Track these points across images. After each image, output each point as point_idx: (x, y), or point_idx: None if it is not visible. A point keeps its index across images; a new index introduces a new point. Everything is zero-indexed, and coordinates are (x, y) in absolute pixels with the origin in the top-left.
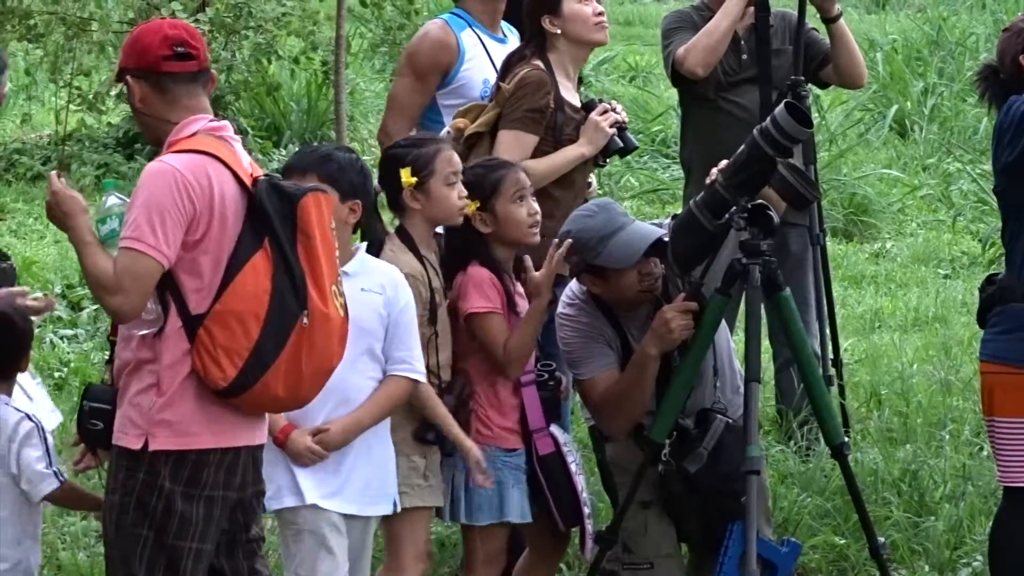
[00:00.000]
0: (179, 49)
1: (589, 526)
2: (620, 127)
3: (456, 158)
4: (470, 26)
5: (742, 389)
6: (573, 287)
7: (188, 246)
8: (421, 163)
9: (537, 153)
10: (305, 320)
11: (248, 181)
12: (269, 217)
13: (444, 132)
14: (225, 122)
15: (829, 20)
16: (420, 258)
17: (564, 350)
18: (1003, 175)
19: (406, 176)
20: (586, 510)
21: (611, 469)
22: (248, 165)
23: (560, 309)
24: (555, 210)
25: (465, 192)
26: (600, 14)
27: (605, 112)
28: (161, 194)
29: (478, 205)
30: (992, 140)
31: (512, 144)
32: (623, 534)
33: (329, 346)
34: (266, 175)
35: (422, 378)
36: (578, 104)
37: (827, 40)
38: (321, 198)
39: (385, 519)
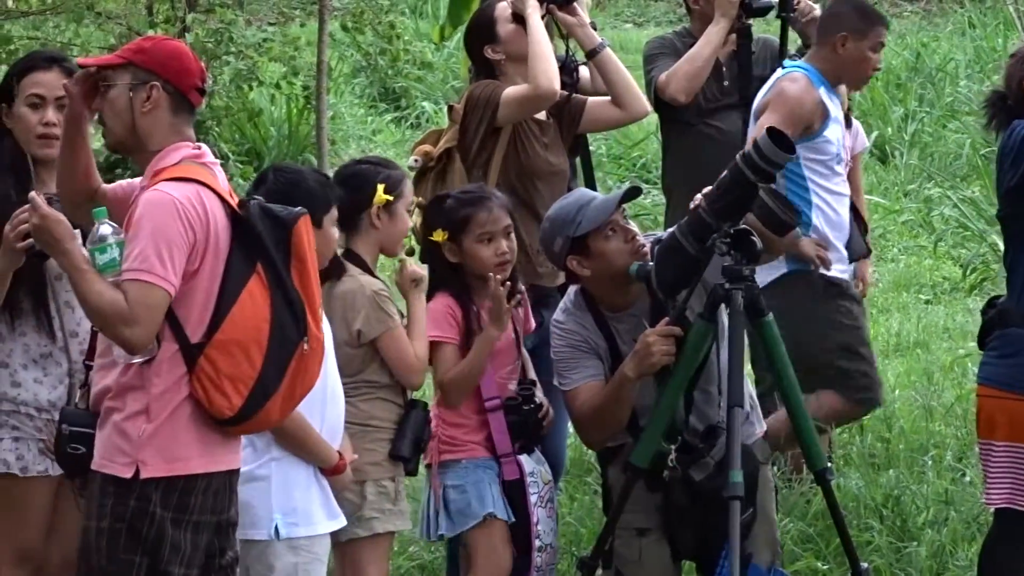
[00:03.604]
0: (203, 85)
1: (537, 559)
2: None
3: (412, 189)
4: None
5: (750, 415)
6: (569, 293)
7: (186, 276)
8: (392, 183)
9: (507, 160)
10: (306, 347)
11: (233, 205)
12: (263, 242)
13: (412, 160)
14: (205, 148)
15: (811, 46)
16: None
17: (553, 359)
18: (1006, 200)
19: (381, 193)
20: (536, 542)
21: (612, 492)
22: (228, 190)
23: (554, 316)
24: (540, 208)
25: (411, 224)
26: None
27: None
28: (166, 224)
29: (447, 236)
30: (996, 165)
31: (516, 88)
32: (616, 560)
33: (317, 368)
34: (253, 198)
35: None
36: (545, 118)
37: None
38: (308, 220)
39: (347, 544)
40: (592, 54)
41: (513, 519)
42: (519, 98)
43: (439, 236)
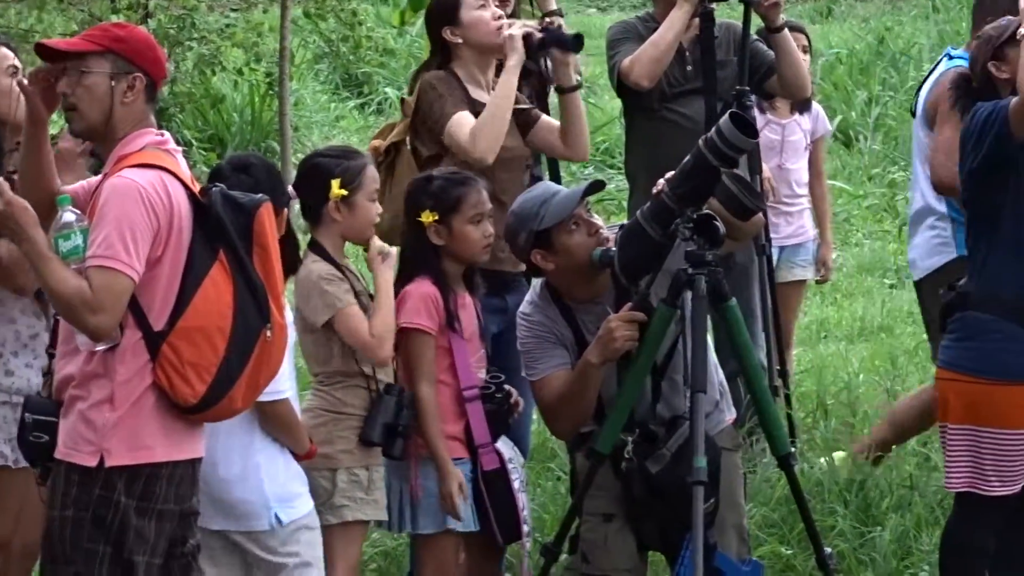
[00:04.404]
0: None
1: (527, 544)
2: (552, 29)
3: (377, 175)
4: None
5: (720, 402)
6: (534, 286)
7: (150, 262)
8: (350, 176)
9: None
10: (269, 333)
11: (195, 192)
12: (225, 229)
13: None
14: (168, 135)
15: (773, 30)
16: (337, 266)
17: (520, 350)
18: (968, 182)
19: (336, 188)
20: (525, 528)
21: (579, 479)
22: (190, 176)
23: (520, 308)
24: (500, 194)
25: (380, 210)
26: (500, 17)
27: (511, 25)
28: (130, 211)
29: (436, 218)
30: (959, 148)
31: (457, 127)
32: (583, 544)
33: (280, 355)
34: (215, 185)
35: (274, 397)
36: None
37: (772, 51)
38: (271, 208)
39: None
40: (564, 90)
41: (477, 527)
42: (455, 142)
43: (427, 217)
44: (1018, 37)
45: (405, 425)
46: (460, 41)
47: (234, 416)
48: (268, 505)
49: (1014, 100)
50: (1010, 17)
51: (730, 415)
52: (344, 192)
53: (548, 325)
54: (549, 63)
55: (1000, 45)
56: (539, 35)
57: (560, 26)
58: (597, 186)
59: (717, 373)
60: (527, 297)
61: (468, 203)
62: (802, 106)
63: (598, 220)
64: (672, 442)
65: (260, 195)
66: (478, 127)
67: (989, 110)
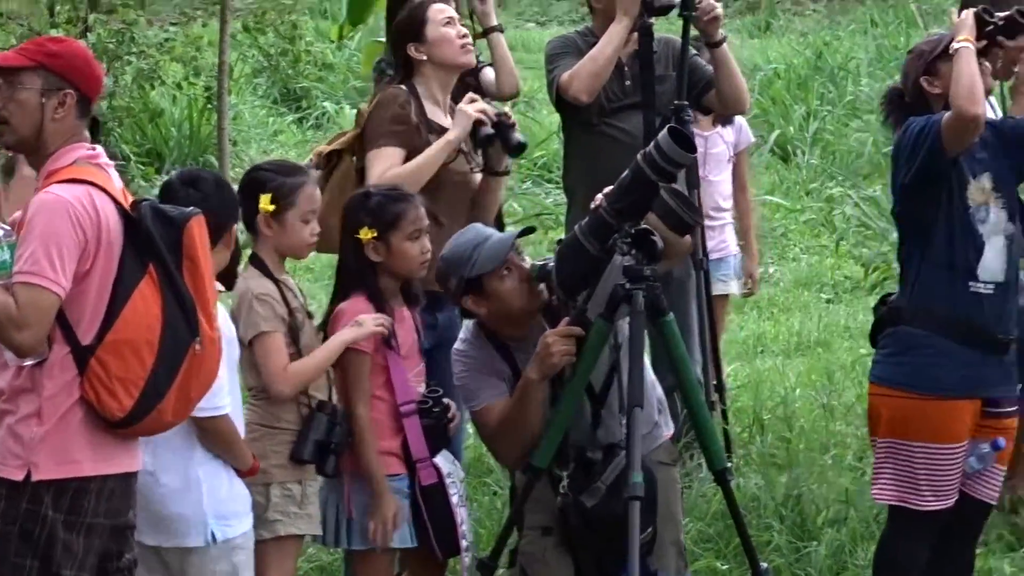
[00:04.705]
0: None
1: (466, 559)
2: (505, 124)
3: (317, 195)
4: None
5: (657, 418)
6: (467, 326)
7: (78, 277)
8: (282, 192)
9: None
10: (198, 347)
11: (126, 206)
12: (155, 242)
13: (308, 160)
14: (99, 148)
15: (712, 45)
16: (275, 281)
17: (457, 385)
18: (901, 196)
19: (264, 202)
20: (464, 543)
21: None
22: (121, 190)
23: (455, 346)
24: (440, 214)
25: (318, 229)
26: (464, 36)
27: (473, 100)
28: (57, 227)
29: (374, 234)
30: (891, 162)
31: (379, 160)
32: (522, 558)
33: (213, 368)
34: (145, 199)
35: (211, 413)
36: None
37: (711, 66)
38: (201, 221)
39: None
40: (714, 46)
41: (415, 543)
42: (367, 173)
43: (366, 234)
44: (950, 52)
45: (338, 443)
46: (424, 58)
47: (166, 430)
48: (205, 521)
49: (947, 115)
50: (942, 32)
51: (668, 430)
52: (272, 207)
53: (484, 359)
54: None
55: (932, 60)
56: (489, 130)
57: (514, 124)
58: (528, 231)
59: (655, 389)
60: (460, 335)
61: (407, 220)
62: (724, 118)
63: (528, 265)
64: (608, 474)
65: (191, 209)
66: (576, 68)
67: (922, 124)
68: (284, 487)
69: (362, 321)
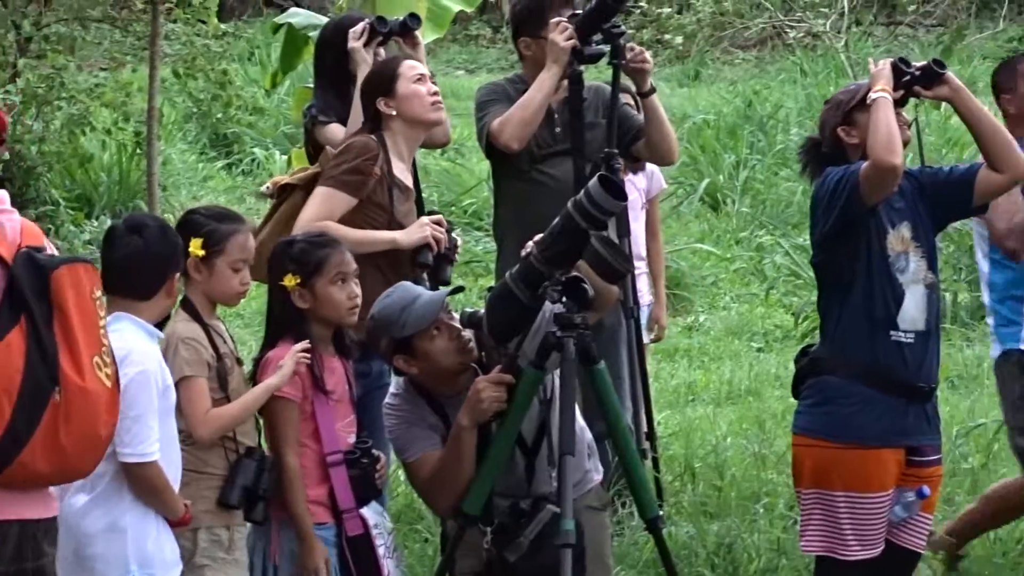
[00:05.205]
0: (4, 135)
1: None
2: (445, 258)
3: (250, 243)
4: None
5: (588, 465)
6: (397, 381)
7: None
8: (214, 239)
9: (369, 225)
10: (57, 396)
11: (9, 256)
12: (22, 292)
13: (266, 187)
14: (2, 193)
15: (642, 95)
16: (204, 326)
17: (389, 438)
18: (819, 247)
19: (195, 246)
20: None
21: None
22: (15, 235)
23: (385, 400)
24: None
25: (248, 279)
26: (435, 94)
27: (438, 223)
28: None
29: (298, 281)
30: (809, 212)
31: (323, 201)
32: None
33: (91, 418)
34: (26, 248)
35: (137, 459)
36: (410, 185)
37: (640, 116)
38: (79, 269)
39: None
40: (644, 95)
41: None
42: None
43: (290, 281)
44: (868, 102)
45: (266, 488)
46: (393, 113)
47: (48, 479)
48: (127, 566)
49: (864, 165)
50: (859, 82)
51: (598, 475)
52: (202, 252)
53: (417, 412)
54: None
55: (849, 110)
56: (428, 258)
57: (452, 261)
58: (457, 290)
59: (585, 434)
60: (392, 388)
61: (330, 264)
62: (636, 166)
63: (457, 323)
64: (530, 529)
65: (63, 256)
66: (507, 115)
67: (840, 175)
68: (212, 532)
69: (283, 364)
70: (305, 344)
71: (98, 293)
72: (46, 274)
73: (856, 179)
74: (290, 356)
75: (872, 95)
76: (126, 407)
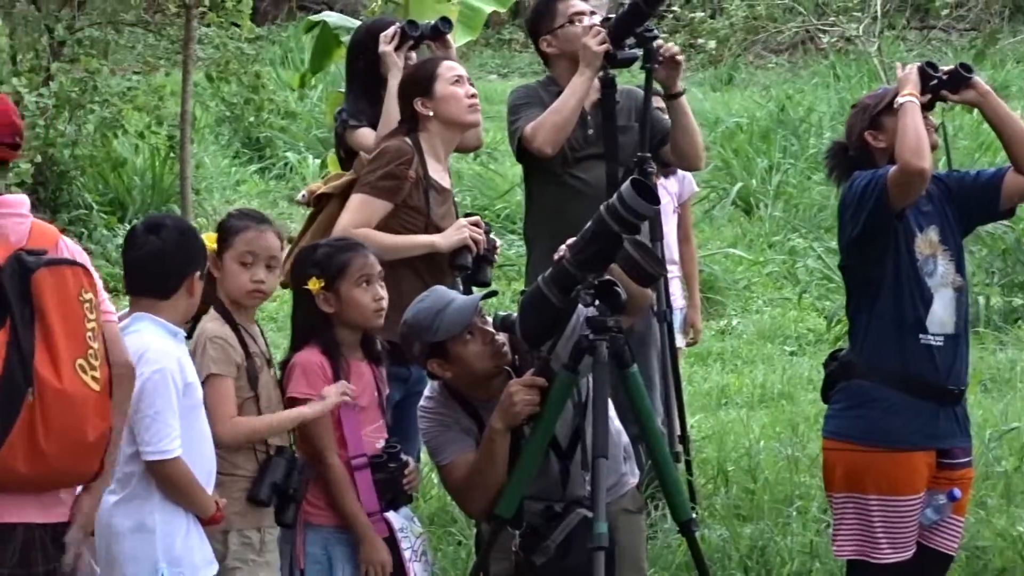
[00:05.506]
0: (17, 139)
1: None
2: (485, 259)
3: (259, 240)
4: None
5: (624, 468)
6: (432, 385)
7: None
8: (223, 234)
9: (406, 228)
10: (30, 397)
11: (3, 259)
12: (6, 294)
13: (301, 195)
14: (14, 198)
15: (670, 96)
16: (235, 325)
17: (424, 440)
18: (847, 251)
19: (210, 241)
20: None
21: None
22: (19, 239)
23: (420, 403)
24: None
25: (261, 278)
26: (473, 96)
27: (476, 224)
28: None
29: (322, 285)
30: (837, 217)
31: (359, 208)
32: None
33: (73, 421)
34: (22, 250)
35: (156, 457)
36: (448, 187)
37: (669, 119)
38: (65, 271)
39: None
40: (673, 97)
41: None
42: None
43: (314, 285)
44: (895, 106)
45: (296, 489)
46: (430, 114)
47: (31, 481)
48: (156, 564)
49: (892, 169)
50: (886, 86)
51: (634, 478)
52: (215, 247)
53: (452, 415)
54: None
55: (876, 114)
56: (467, 260)
57: (492, 263)
58: (491, 294)
59: (621, 436)
60: (426, 392)
61: (354, 267)
62: (667, 170)
63: (491, 327)
64: (558, 532)
65: (50, 257)
66: (540, 120)
67: (867, 179)
68: (242, 534)
69: (326, 395)
70: (350, 387)
71: (87, 295)
72: (27, 276)
73: (884, 183)
74: (334, 392)
75: (900, 99)
76: (145, 406)
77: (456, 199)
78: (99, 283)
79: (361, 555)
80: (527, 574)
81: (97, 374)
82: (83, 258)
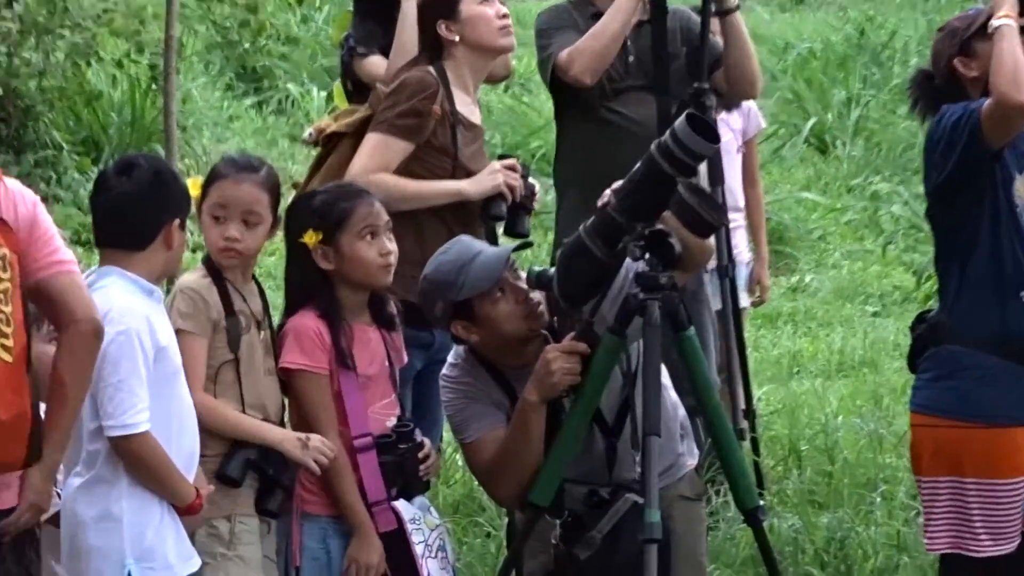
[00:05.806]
0: None
1: None
2: (522, 207)
3: (232, 193)
4: None
5: (681, 447)
6: (457, 349)
7: None
8: (205, 182)
9: (431, 172)
10: None
11: None
12: None
13: (307, 134)
14: None
15: (723, 12)
16: (221, 280)
17: (448, 414)
18: (935, 197)
19: (194, 186)
20: None
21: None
22: None
23: (443, 371)
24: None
25: (233, 234)
26: (504, 16)
27: (511, 167)
28: None
29: (320, 238)
30: (923, 156)
31: (376, 149)
32: None
33: (16, 387)
34: None
35: (120, 431)
36: (478, 122)
37: (721, 42)
38: None
39: None
40: (726, 13)
41: None
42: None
43: (311, 238)
44: (989, 29)
45: (283, 473)
46: (456, 39)
47: None
48: (123, 559)
49: (987, 102)
50: (979, 7)
51: (692, 459)
52: (198, 194)
53: (479, 386)
54: None
55: (967, 39)
56: (502, 209)
57: (530, 212)
58: (524, 245)
59: (677, 411)
60: (450, 359)
61: (356, 216)
62: (730, 102)
63: (524, 285)
64: (605, 521)
65: None
66: (578, 46)
67: (958, 114)
68: (209, 524)
69: (310, 445)
70: (329, 447)
71: (7, 253)
72: None
73: (977, 119)
74: (318, 447)
75: (994, 22)
76: (107, 373)
77: (485, 137)
78: (49, 229)
79: (349, 549)
80: (568, 570)
81: (9, 342)
82: (24, 204)
